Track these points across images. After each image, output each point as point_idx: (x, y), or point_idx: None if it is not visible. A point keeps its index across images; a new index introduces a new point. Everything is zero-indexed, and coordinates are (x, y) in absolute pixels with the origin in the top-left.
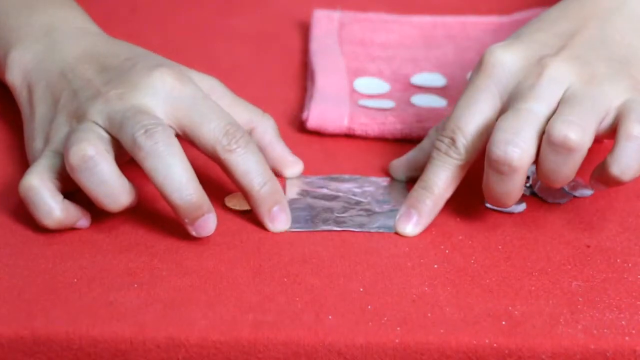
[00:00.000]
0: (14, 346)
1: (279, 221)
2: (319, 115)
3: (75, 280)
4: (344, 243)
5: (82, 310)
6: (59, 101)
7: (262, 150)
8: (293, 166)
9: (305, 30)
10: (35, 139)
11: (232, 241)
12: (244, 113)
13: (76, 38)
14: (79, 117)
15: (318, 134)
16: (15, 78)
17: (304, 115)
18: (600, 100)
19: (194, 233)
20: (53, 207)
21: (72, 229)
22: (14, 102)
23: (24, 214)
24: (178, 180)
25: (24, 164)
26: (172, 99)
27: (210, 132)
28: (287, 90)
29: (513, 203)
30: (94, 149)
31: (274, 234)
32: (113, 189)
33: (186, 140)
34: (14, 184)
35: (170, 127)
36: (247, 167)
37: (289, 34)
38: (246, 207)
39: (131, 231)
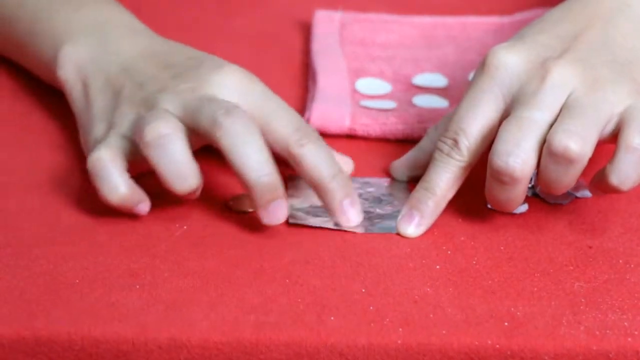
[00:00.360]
0: (16, 347)
1: (351, 214)
2: (320, 115)
3: (77, 280)
4: (346, 244)
5: (84, 311)
6: (121, 93)
7: None
8: (344, 165)
9: (306, 31)
10: (95, 127)
11: (233, 242)
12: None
13: (130, 36)
14: (148, 106)
15: (319, 134)
16: (68, 73)
17: (306, 115)
18: (603, 107)
19: (265, 220)
20: (120, 183)
21: (124, 217)
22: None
23: (25, 214)
24: (256, 159)
25: (23, 164)
26: (244, 94)
27: (282, 127)
28: (289, 91)
29: (515, 209)
30: (169, 128)
31: (274, 234)
32: (184, 169)
33: None
34: (14, 185)
35: None
36: (318, 161)
37: (290, 35)
38: (248, 209)
39: (133, 232)
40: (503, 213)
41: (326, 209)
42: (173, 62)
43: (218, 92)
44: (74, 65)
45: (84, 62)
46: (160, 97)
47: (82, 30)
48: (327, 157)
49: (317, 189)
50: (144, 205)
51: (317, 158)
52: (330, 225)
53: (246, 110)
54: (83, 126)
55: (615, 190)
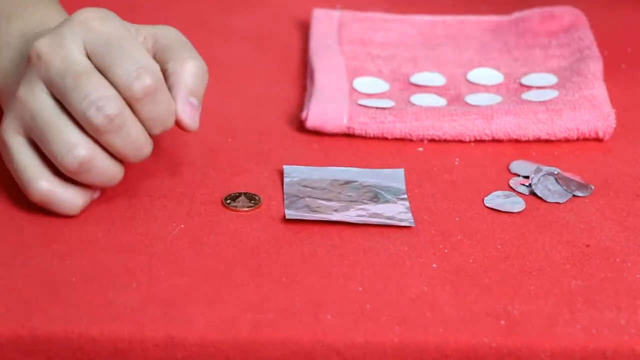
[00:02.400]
0: (13, 345)
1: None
2: (318, 114)
3: (74, 279)
4: (343, 242)
5: (81, 310)
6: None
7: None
8: (180, 123)
9: (304, 29)
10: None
11: (230, 241)
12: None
13: (42, 32)
14: (22, 88)
15: (317, 133)
16: None
17: (303, 114)
18: None
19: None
20: (74, 202)
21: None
22: None
23: (22, 213)
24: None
25: None
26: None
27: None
28: (287, 89)
29: None
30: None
31: (273, 233)
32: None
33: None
34: (11, 183)
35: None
36: (149, 117)
37: (289, 33)
38: (246, 207)
39: (130, 230)
40: (500, 212)
41: None
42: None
43: (64, 41)
44: (1, 77)
45: (6, 74)
46: (29, 70)
47: (8, 44)
48: (159, 114)
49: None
50: (96, 194)
51: (149, 114)
52: (329, 218)
53: (89, 54)
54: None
55: None
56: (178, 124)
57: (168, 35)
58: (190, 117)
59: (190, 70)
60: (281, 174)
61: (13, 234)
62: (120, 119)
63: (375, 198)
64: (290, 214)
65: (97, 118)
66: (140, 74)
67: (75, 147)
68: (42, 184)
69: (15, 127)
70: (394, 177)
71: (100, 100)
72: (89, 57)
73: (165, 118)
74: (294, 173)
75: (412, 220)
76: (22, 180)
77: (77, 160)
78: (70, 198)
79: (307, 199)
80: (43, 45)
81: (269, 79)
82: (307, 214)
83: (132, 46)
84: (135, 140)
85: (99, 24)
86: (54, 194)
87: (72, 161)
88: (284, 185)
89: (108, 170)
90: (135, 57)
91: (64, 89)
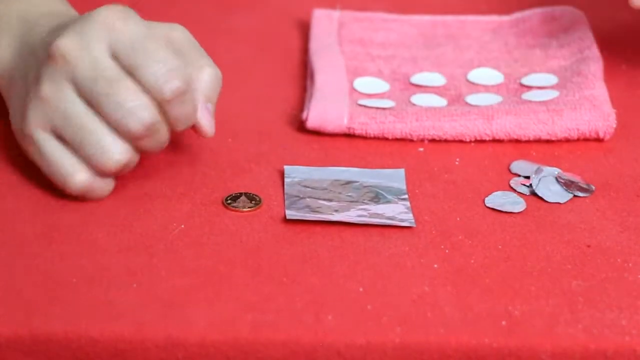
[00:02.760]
0: (13, 346)
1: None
2: (318, 114)
3: (74, 279)
4: (344, 243)
5: (81, 310)
6: (28, 76)
7: None
8: (199, 129)
9: (304, 30)
10: (15, 114)
11: (231, 241)
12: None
13: (46, 22)
14: (45, 87)
15: (318, 133)
16: None
17: (304, 114)
18: None
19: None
20: (108, 187)
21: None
22: None
23: (22, 212)
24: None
25: (20, 163)
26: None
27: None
28: (287, 90)
29: None
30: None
31: (273, 233)
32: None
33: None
34: (11, 184)
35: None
36: (176, 116)
37: (289, 33)
38: (246, 207)
39: (130, 231)
40: (501, 212)
41: None
42: (59, 25)
43: (90, 45)
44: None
45: (7, 56)
46: (54, 71)
47: (7, 24)
48: (185, 115)
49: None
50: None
51: (175, 113)
52: (329, 218)
53: (116, 55)
54: (10, 108)
55: None
56: (197, 129)
57: (182, 37)
58: (208, 122)
59: (207, 77)
60: (282, 174)
61: (13, 235)
62: (155, 126)
63: (376, 198)
64: (290, 214)
65: (134, 126)
66: (171, 77)
67: (111, 151)
68: (81, 176)
69: (41, 124)
70: (395, 177)
71: (136, 109)
72: (114, 59)
73: (191, 117)
74: (294, 173)
75: (413, 221)
76: (58, 176)
77: (113, 164)
78: (104, 185)
79: (307, 199)
80: (67, 46)
81: (269, 79)
82: (307, 215)
83: (157, 47)
84: (164, 141)
85: (122, 24)
86: (92, 184)
87: (110, 164)
88: (285, 186)
89: (135, 163)
90: (162, 58)
91: (96, 94)
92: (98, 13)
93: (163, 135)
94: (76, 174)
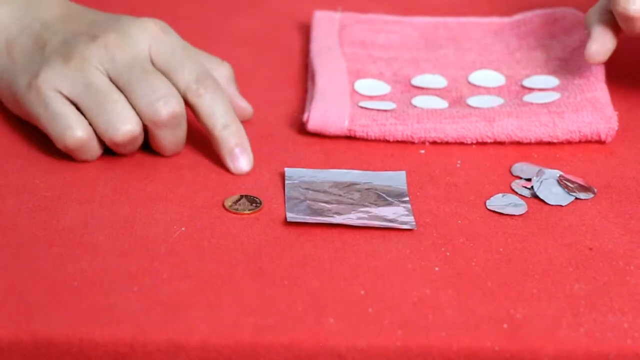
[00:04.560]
0: (14, 349)
1: (240, 161)
2: (319, 117)
3: (76, 283)
4: (345, 245)
5: (83, 314)
6: (45, 49)
7: None
8: (242, 111)
9: (305, 32)
10: (19, 78)
11: (232, 244)
12: (204, 61)
13: (50, 2)
14: (74, 59)
15: (318, 135)
16: None
17: (305, 117)
18: None
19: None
20: (97, 153)
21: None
22: None
23: (23, 215)
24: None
25: (20, 166)
26: (155, 43)
27: (183, 77)
28: (288, 92)
29: None
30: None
31: (274, 236)
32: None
33: None
34: (12, 187)
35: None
36: (213, 110)
37: (290, 35)
38: (247, 210)
39: (132, 234)
40: (502, 214)
41: (218, 154)
42: (93, 20)
43: (134, 41)
44: None
45: (7, 22)
46: (87, 49)
47: None
48: (221, 107)
49: (211, 136)
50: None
51: (211, 107)
52: (330, 221)
53: (154, 58)
54: (6, 82)
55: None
56: (240, 112)
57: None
58: (245, 102)
59: (225, 72)
60: (282, 176)
61: (14, 237)
62: (180, 117)
63: (377, 201)
64: (291, 216)
65: (162, 111)
66: (205, 77)
67: (126, 120)
68: (81, 132)
69: (55, 85)
70: (396, 180)
71: (167, 96)
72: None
73: (223, 108)
74: (295, 175)
75: (414, 223)
76: (58, 128)
77: (125, 132)
78: (95, 149)
79: (308, 201)
80: (111, 39)
81: (270, 82)
82: (308, 217)
83: (193, 53)
84: (181, 140)
85: (163, 34)
86: (88, 142)
87: (123, 130)
88: (285, 188)
89: (139, 145)
90: (200, 60)
91: (129, 78)
92: (142, 22)
93: (181, 134)
94: (77, 129)
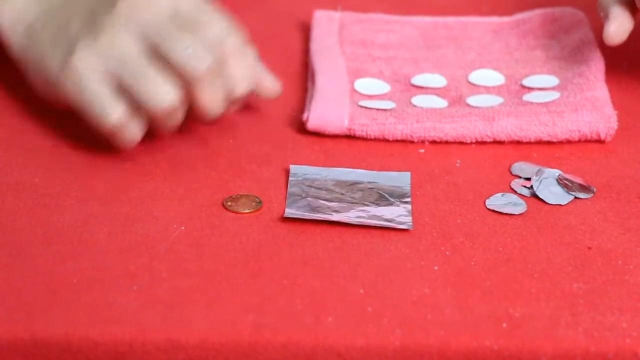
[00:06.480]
0: (13, 348)
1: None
2: (319, 116)
3: (75, 281)
4: (344, 245)
5: (82, 312)
6: (70, 25)
7: None
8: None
9: (305, 31)
10: (51, 56)
11: (231, 242)
12: None
13: None
14: (101, 31)
15: (318, 134)
16: (4, 18)
17: (304, 116)
18: None
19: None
20: (137, 137)
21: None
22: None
23: (22, 213)
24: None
25: (19, 163)
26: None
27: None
28: (287, 91)
29: None
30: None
31: (274, 235)
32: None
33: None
34: (11, 185)
35: None
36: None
37: (290, 35)
38: (247, 209)
39: (131, 232)
40: (501, 214)
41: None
42: None
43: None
44: (12, 8)
45: (25, 6)
46: (111, 19)
47: None
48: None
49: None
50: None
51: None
52: (327, 218)
53: (179, 13)
54: (32, 63)
55: None
56: (265, 90)
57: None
58: (272, 77)
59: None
60: (282, 175)
61: (13, 236)
62: (214, 73)
63: (378, 200)
64: (289, 212)
65: (199, 67)
66: (232, 31)
67: (167, 92)
68: (119, 112)
69: (91, 65)
70: (401, 180)
71: (201, 51)
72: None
73: (251, 73)
74: (299, 173)
75: (411, 224)
76: (96, 110)
77: (168, 102)
78: (136, 129)
79: (309, 198)
80: (137, 1)
81: None
82: (305, 213)
83: (217, 10)
84: (219, 99)
85: None
86: (127, 123)
87: (166, 100)
88: (289, 184)
89: (179, 120)
90: (222, 18)
91: (162, 38)
92: None
93: (220, 91)
94: (115, 110)
